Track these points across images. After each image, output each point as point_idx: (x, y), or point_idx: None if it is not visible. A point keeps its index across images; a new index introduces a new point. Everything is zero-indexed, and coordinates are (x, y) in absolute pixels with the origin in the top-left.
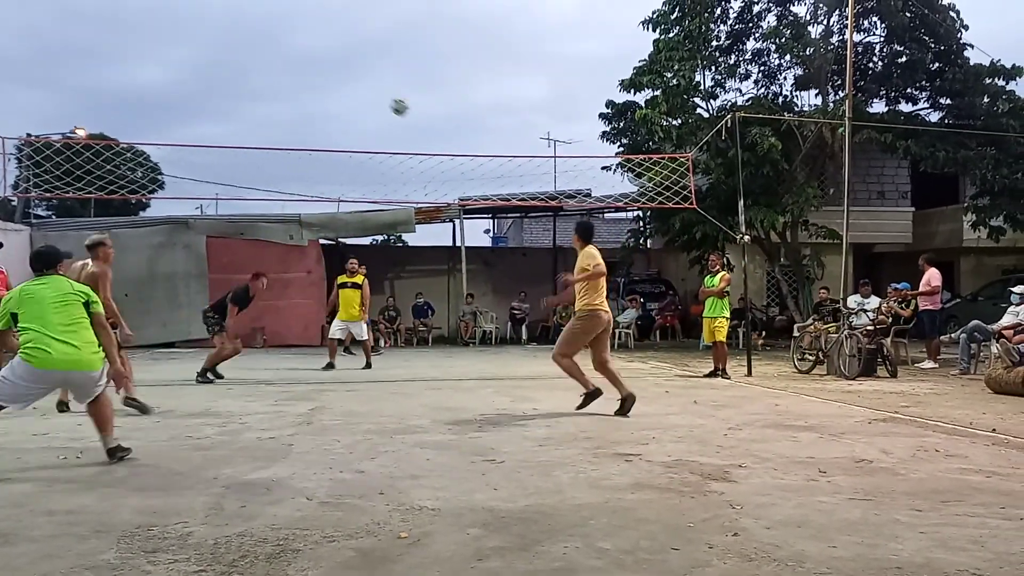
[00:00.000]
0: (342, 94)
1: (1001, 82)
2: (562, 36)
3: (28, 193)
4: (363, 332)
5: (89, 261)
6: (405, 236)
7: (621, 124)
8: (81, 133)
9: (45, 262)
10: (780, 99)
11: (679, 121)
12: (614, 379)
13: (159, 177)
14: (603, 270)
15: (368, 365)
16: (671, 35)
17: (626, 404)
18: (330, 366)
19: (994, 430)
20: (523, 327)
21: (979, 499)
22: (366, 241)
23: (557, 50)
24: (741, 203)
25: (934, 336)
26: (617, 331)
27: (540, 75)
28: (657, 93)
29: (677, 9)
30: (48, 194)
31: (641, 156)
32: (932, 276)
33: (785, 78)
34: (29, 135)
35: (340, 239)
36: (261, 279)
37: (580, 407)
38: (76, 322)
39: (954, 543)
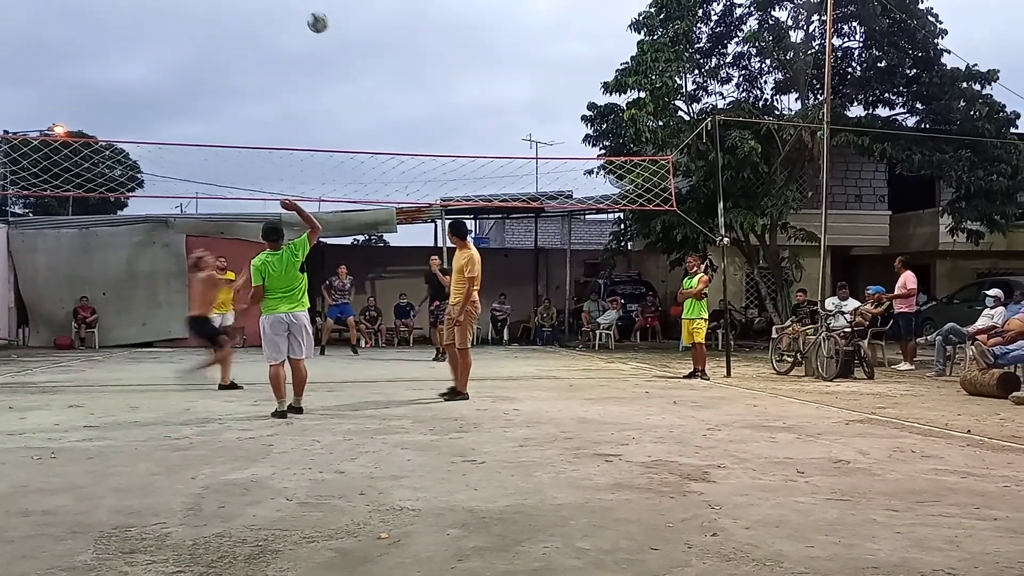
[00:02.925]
0: (325, 94)
1: (976, 86)
2: (545, 39)
3: (5, 191)
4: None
5: None
6: (386, 236)
7: (603, 126)
8: (59, 130)
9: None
10: (760, 103)
11: (661, 123)
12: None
13: (138, 175)
14: (478, 277)
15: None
16: (656, 37)
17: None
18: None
19: (969, 431)
20: (504, 328)
21: (954, 499)
22: (347, 241)
23: (540, 52)
24: (721, 206)
25: (910, 338)
26: (598, 332)
27: (523, 77)
28: (643, 94)
29: (664, 11)
30: (25, 191)
31: (623, 158)
32: (908, 279)
33: (766, 82)
34: (6, 132)
35: (320, 239)
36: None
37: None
38: None
39: (929, 543)
